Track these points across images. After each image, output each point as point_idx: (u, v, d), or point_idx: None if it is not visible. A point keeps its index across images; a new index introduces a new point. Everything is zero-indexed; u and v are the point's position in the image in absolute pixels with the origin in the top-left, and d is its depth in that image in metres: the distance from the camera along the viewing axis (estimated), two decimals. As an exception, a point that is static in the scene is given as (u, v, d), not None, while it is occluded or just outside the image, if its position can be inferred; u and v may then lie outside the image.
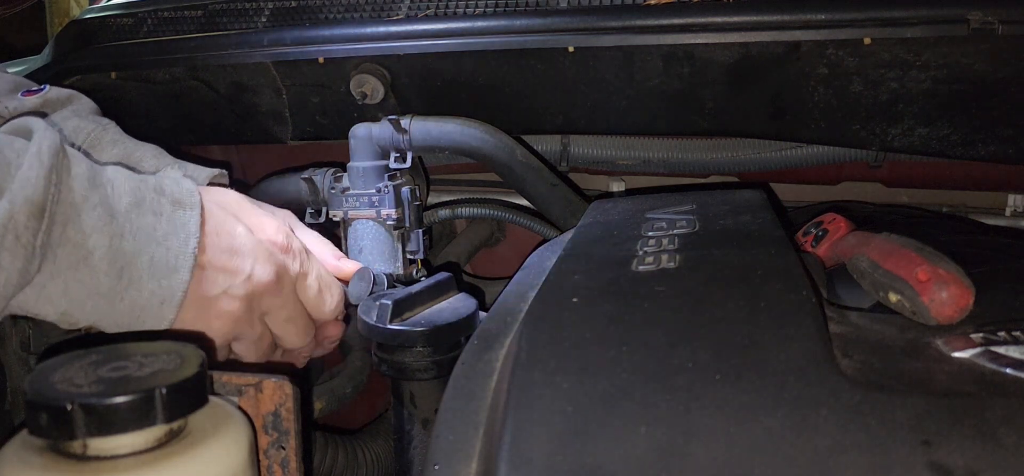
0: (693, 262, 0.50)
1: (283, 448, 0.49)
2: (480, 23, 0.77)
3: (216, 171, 0.66)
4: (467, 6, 0.78)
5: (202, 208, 0.55)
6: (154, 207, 0.53)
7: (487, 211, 0.93)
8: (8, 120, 0.70)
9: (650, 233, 0.57)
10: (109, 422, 0.38)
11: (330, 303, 0.64)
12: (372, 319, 0.59)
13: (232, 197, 0.61)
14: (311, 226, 0.71)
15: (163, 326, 0.53)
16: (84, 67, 0.89)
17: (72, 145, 0.53)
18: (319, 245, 0.68)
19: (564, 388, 0.37)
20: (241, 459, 0.43)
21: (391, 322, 0.58)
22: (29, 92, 0.70)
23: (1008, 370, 0.38)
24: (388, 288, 0.66)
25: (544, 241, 0.83)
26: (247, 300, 0.57)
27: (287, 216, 0.66)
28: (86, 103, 0.73)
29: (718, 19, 0.70)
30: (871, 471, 0.31)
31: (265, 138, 0.90)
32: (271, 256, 0.59)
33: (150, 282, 0.51)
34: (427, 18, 0.78)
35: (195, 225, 0.54)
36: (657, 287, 0.46)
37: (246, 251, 0.57)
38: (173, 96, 0.88)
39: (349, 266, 0.68)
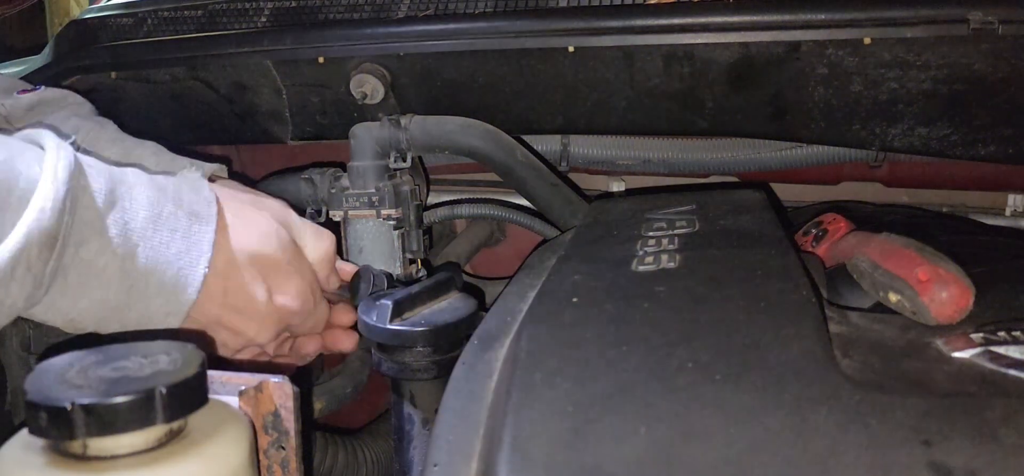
0: (693, 262, 0.50)
1: (283, 448, 0.48)
2: (480, 23, 0.76)
3: (215, 166, 0.66)
4: (467, 6, 0.78)
5: (232, 256, 0.55)
6: (170, 223, 0.52)
7: (487, 211, 0.93)
8: (4, 118, 0.70)
9: (650, 233, 0.57)
10: (109, 422, 0.38)
11: (308, 352, 0.65)
12: (372, 319, 0.59)
13: (272, 243, 0.58)
14: None
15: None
16: (84, 67, 0.89)
17: (81, 150, 0.53)
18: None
19: (564, 388, 0.37)
20: (241, 459, 0.43)
21: (391, 322, 0.58)
22: (25, 91, 0.70)
23: (1008, 370, 0.38)
24: (388, 288, 0.66)
25: (544, 241, 0.83)
26: (240, 350, 0.59)
27: (331, 241, 0.64)
28: (82, 103, 0.73)
29: (718, 19, 0.70)
30: (871, 471, 0.31)
31: (265, 138, 0.90)
32: (279, 321, 0.59)
33: (158, 298, 0.51)
34: (427, 18, 0.78)
35: (209, 243, 0.53)
36: (657, 287, 0.46)
37: (257, 317, 0.57)
38: (173, 96, 0.88)
39: (350, 270, 0.68)
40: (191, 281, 0.52)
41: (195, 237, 0.53)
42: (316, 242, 0.63)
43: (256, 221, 0.58)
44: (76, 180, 0.47)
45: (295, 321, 0.60)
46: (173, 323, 0.53)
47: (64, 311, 0.49)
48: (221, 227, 0.55)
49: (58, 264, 0.46)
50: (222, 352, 0.58)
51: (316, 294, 0.62)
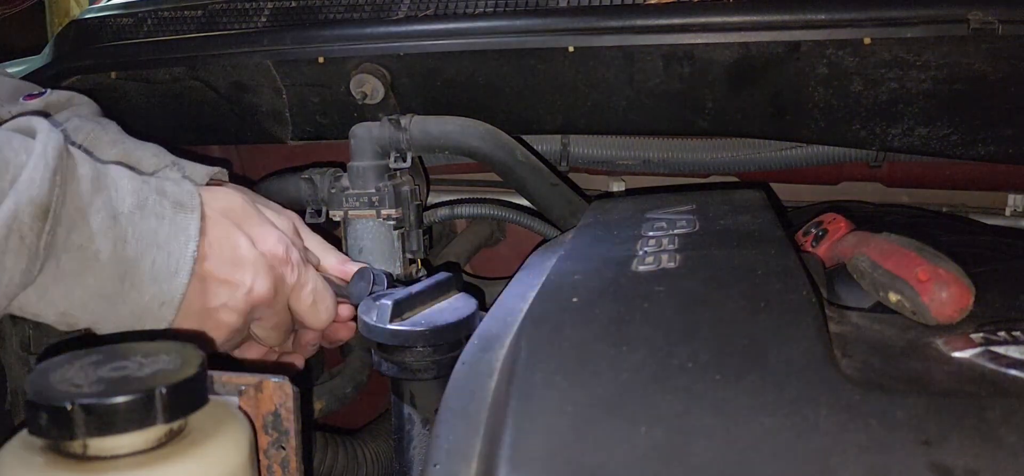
0: (693, 262, 0.50)
1: (283, 448, 0.48)
2: (480, 23, 0.76)
3: (215, 170, 0.66)
4: (467, 6, 0.78)
5: (204, 215, 0.55)
6: (156, 210, 0.53)
7: (487, 211, 0.93)
8: None
9: (650, 233, 0.57)
10: (109, 422, 0.38)
11: (323, 315, 0.64)
12: (372, 319, 0.59)
13: (237, 202, 0.60)
14: (310, 227, 0.71)
15: (162, 327, 0.53)
16: (84, 67, 0.89)
17: (74, 144, 0.53)
18: (322, 249, 0.67)
19: (564, 388, 0.37)
20: (241, 459, 0.43)
21: (391, 322, 0.58)
22: (30, 96, 0.70)
23: (1008, 370, 0.38)
24: (388, 288, 0.66)
25: (544, 241, 0.83)
26: (245, 312, 0.58)
27: (292, 218, 0.66)
28: (86, 104, 0.73)
29: (718, 19, 0.70)
30: (871, 471, 0.31)
31: (265, 138, 0.90)
32: (270, 269, 0.59)
33: (151, 285, 0.52)
34: (427, 18, 0.78)
35: (195, 229, 0.54)
36: (657, 287, 0.46)
37: (247, 264, 0.57)
38: (173, 96, 0.88)
39: (352, 267, 0.68)
40: (182, 266, 0.53)
41: (181, 223, 0.53)
42: (277, 214, 0.64)
43: (221, 190, 0.61)
44: (65, 161, 0.48)
45: (287, 272, 0.60)
46: (167, 314, 0.53)
47: (58, 302, 0.49)
48: (206, 222, 0.56)
49: (51, 241, 0.47)
50: (229, 318, 0.57)
51: (298, 249, 0.62)
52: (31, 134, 0.49)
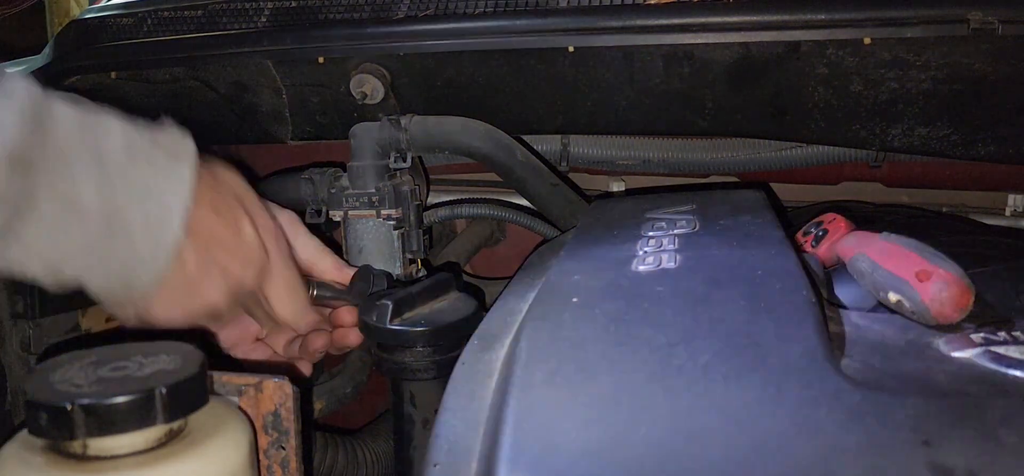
0: (693, 262, 0.50)
1: (283, 448, 0.48)
2: (480, 23, 0.76)
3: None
4: (467, 6, 0.78)
5: (205, 179, 0.53)
6: (149, 157, 0.50)
7: (487, 211, 0.93)
8: None
9: (650, 233, 0.57)
10: (109, 422, 0.38)
11: (289, 308, 0.61)
12: (372, 319, 0.59)
13: (240, 182, 0.58)
14: (310, 226, 0.71)
15: (153, 280, 0.51)
16: (84, 67, 0.89)
17: None
18: (318, 253, 0.67)
19: (564, 388, 0.37)
20: (241, 459, 0.43)
21: (391, 322, 0.58)
22: None
23: (1008, 370, 0.38)
24: (388, 288, 0.66)
25: (544, 241, 0.83)
26: (233, 297, 0.56)
27: (292, 220, 0.65)
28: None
29: (718, 19, 0.70)
30: (871, 471, 0.31)
31: (265, 138, 0.90)
32: (260, 262, 0.58)
33: (142, 236, 0.49)
34: (427, 18, 0.78)
35: (190, 179, 0.51)
36: (657, 287, 0.46)
37: (243, 251, 0.56)
38: (173, 96, 0.88)
39: (349, 271, 0.68)
40: (175, 217, 0.50)
41: (176, 173, 0.51)
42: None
43: (229, 173, 0.58)
44: (40, 104, 0.45)
45: (276, 272, 0.59)
46: (160, 265, 0.50)
47: (42, 253, 0.46)
48: (199, 167, 0.53)
49: (31, 189, 0.44)
50: (214, 297, 0.55)
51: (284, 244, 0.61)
52: None
